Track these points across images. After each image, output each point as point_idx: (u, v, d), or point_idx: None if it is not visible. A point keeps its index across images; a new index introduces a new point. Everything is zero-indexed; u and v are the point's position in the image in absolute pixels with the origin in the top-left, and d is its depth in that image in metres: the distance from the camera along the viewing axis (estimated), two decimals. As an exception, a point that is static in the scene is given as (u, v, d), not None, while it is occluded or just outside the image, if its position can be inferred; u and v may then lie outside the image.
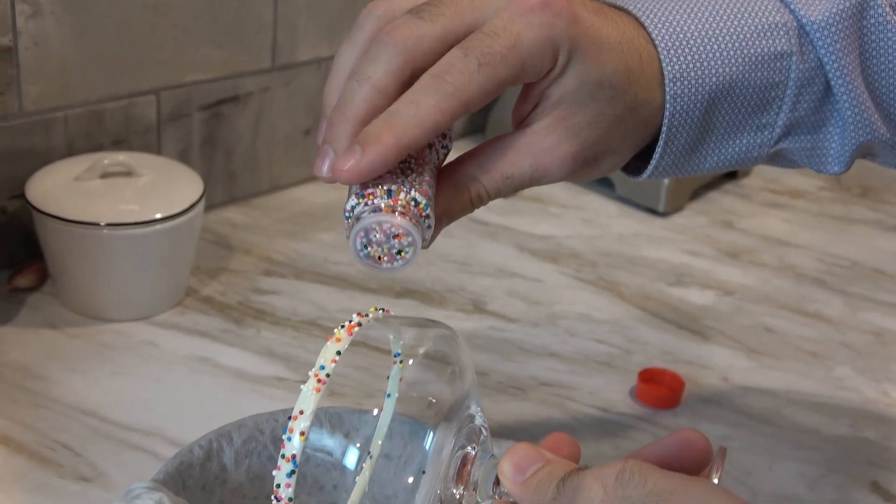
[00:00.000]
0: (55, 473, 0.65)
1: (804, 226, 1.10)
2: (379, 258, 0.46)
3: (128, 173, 0.81)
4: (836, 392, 0.82)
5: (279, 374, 0.77)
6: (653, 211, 1.08)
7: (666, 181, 1.06)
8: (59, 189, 0.79)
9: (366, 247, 0.45)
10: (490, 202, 0.52)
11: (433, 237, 0.50)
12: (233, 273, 0.89)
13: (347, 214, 0.46)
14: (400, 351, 0.43)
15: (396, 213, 0.45)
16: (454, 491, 0.42)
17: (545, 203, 1.08)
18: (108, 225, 0.76)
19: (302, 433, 0.38)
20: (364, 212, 0.45)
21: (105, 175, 0.80)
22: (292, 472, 0.39)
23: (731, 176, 1.18)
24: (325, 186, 1.06)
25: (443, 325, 0.44)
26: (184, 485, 0.54)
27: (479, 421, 0.43)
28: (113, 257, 0.78)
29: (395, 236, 0.45)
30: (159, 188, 0.80)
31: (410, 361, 0.43)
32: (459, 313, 0.87)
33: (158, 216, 0.78)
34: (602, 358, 0.83)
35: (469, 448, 0.43)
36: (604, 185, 1.11)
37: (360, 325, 0.42)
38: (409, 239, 0.45)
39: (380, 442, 0.43)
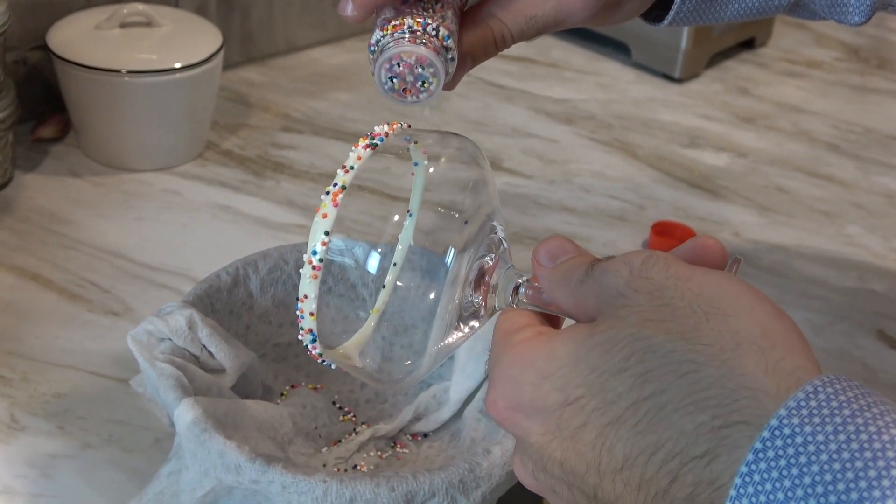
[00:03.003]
0: (85, 308, 0.67)
1: (820, 94, 1.10)
2: (404, 90, 0.47)
3: (147, 24, 0.81)
4: (846, 248, 0.83)
5: (299, 222, 0.78)
6: (669, 77, 1.08)
7: (683, 46, 1.06)
8: (80, 38, 0.79)
9: (391, 79, 0.47)
10: (513, 45, 0.52)
11: (457, 78, 0.50)
12: (251, 129, 0.90)
13: (372, 49, 0.48)
14: (419, 161, 0.44)
15: (419, 43, 0.46)
16: (472, 298, 0.43)
17: (561, 68, 1.08)
18: (129, 72, 0.77)
19: (312, 313, 0.39)
20: (388, 43, 0.46)
21: (125, 25, 0.80)
22: (314, 339, 0.40)
23: (748, 45, 1.18)
24: (340, 49, 1.06)
25: (464, 138, 0.45)
26: (212, 308, 0.56)
27: (500, 234, 0.44)
28: (133, 106, 0.79)
29: (418, 66, 0.46)
30: (179, 39, 0.81)
31: (431, 170, 0.43)
32: (476, 169, 0.88)
33: (178, 65, 0.78)
34: (615, 212, 0.84)
35: (488, 258, 0.43)
36: (620, 51, 1.11)
37: (343, 189, 0.40)
38: (432, 70, 0.46)
39: (407, 245, 0.43)
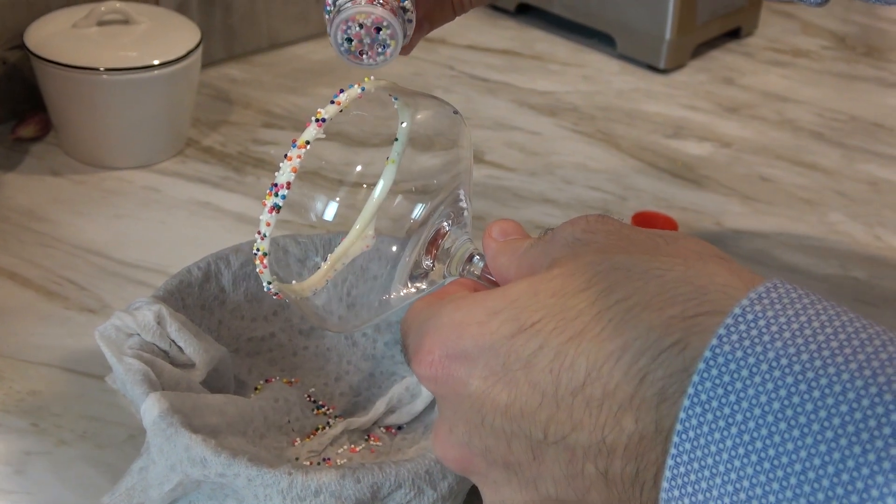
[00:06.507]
0: (62, 305, 0.68)
1: (806, 83, 1.10)
2: (360, 53, 0.47)
3: (125, 21, 0.81)
4: (828, 236, 0.83)
5: (281, 217, 0.78)
6: (653, 68, 1.08)
7: (668, 37, 1.06)
8: (58, 36, 0.79)
9: (347, 41, 0.46)
10: (470, 9, 0.53)
11: (414, 41, 0.51)
12: (233, 125, 0.90)
13: (328, 8, 0.47)
14: (405, 121, 0.44)
15: (376, 4, 0.46)
16: (424, 260, 0.43)
17: (545, 61, 1.08)
18: (108, 70, 0.77)
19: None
20: (345, 3, 0.47)
21: (102, 23, 0.80)
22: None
23: (734, 35, 1.17)
24: (324, 44, 1.06)
25: (450, 105, 0.45)
26: (183, 303, 0.56)
27: (464, 203, 0.44)
28: (113, 103, 0.79)
29: (375, 28, 0.46)
30: (157, 36, 0.81)
31: (409, 125, 0.44)
32: (457, 163, 0.88)
33: (156, 62, 0.78)
34: (597, 204, 0.84)
35: (446, 223, 0.43)
36: (605, 43, 1.11)
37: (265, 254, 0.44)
38: (390, 31, 0.46)
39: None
